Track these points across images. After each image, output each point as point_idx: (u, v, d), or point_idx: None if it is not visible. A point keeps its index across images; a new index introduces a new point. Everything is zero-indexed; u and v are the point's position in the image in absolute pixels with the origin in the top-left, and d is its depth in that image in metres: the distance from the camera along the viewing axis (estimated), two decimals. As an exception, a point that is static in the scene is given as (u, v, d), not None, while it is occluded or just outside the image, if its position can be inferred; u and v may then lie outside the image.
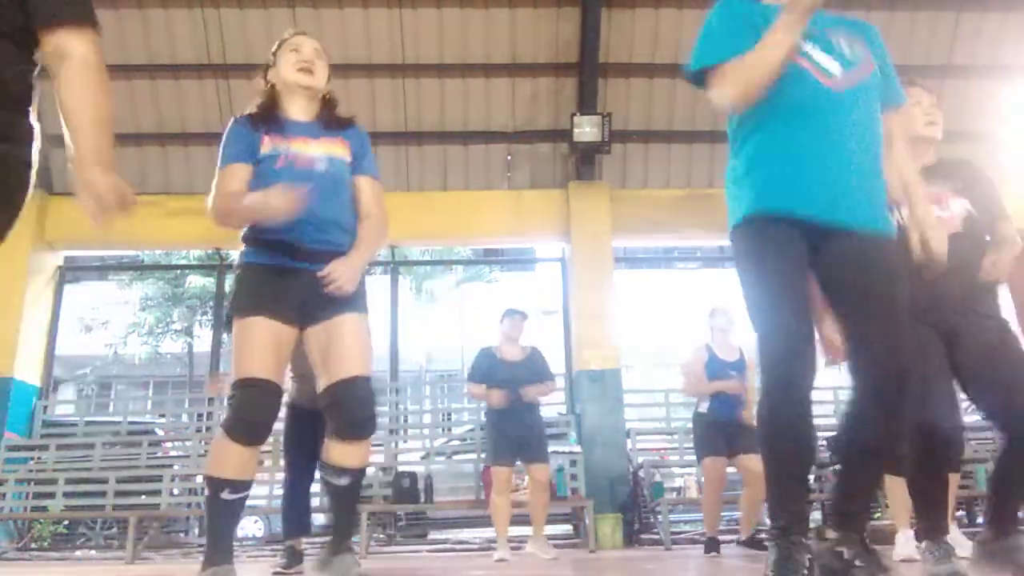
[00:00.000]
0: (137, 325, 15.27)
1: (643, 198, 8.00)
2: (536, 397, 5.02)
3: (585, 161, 7.81)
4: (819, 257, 1.94)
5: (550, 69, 7.85)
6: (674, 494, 7.28)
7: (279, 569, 3.80)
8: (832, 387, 8.86)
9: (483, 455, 6.71)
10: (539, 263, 12.50)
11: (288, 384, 3.96)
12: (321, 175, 2.41)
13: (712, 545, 5.10)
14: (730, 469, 5.29)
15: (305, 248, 2.36)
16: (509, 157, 8.09)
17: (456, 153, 8.06)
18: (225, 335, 8.03)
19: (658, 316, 15.64)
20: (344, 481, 2.30)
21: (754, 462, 4.97)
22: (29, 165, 1.48)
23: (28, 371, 7.42)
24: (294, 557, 3.88)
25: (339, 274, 2.31)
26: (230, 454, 2.21)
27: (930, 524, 2.48)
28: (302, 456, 3.89)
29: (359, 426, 2.30)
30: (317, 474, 3.82)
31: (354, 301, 2.38)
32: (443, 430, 8.28)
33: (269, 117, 2.49)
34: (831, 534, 1.89)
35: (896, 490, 3.92)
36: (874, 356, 1.87)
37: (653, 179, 8.14)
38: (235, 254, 2.49)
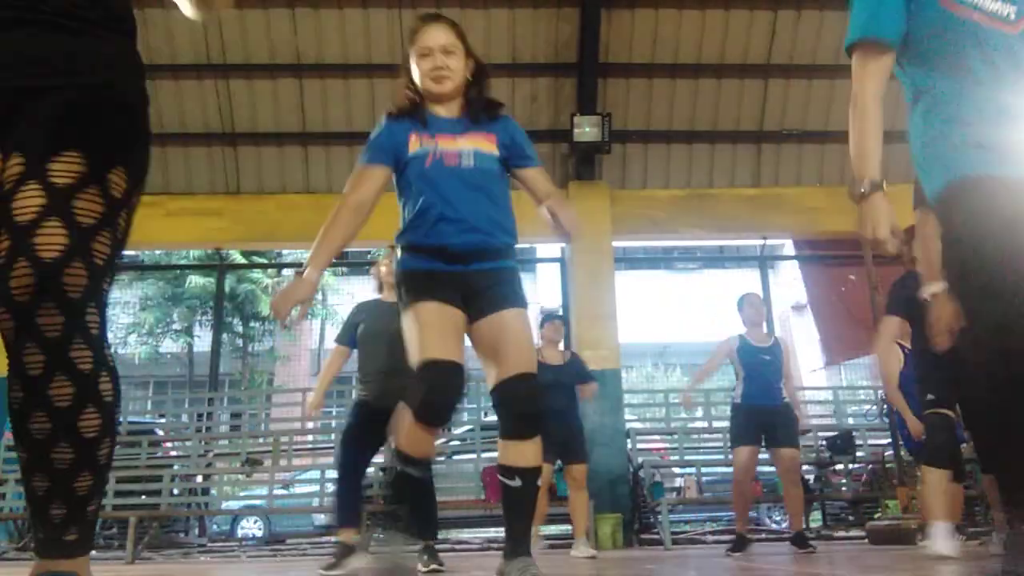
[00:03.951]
0: (137, 325, 15.27)
1: (643, 198, 8.01)
2: (585, 397, 5.35)
3: (585, 161, 7.81)
4: None
5: (549, 69, 7.85)
6: (674, 494, 7.28)
7: (323, 571, 3.62)
8: (832, 387, 8.86)
9: (483, 455, 6.75)
10: (539, 263, 12.50)
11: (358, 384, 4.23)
12: (469, 171, 2.32)
13: (739, 544, 4.90)
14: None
15: (452, 250, 2.27)
16: (509, 157, 8.08)
17: (456, 153, 8.05)
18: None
19: (658, 316, 15.65)
20: (516, 482, 2.20)
21: (787, 455, 4.93)
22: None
23: (28, 371, 7.40)
24: (345, 552, 3.69)
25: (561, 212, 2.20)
26: (417, 437, 2.19)
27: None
28: (359, 451, 4.05)
29: (525, 424, 2.22)
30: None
31: (514, 296, 2.30)
32: (443, 430, 8.28)
33: (415, 114, 2.40)
34: None
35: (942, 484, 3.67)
36: None
37: (653, 179, 8.14)
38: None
